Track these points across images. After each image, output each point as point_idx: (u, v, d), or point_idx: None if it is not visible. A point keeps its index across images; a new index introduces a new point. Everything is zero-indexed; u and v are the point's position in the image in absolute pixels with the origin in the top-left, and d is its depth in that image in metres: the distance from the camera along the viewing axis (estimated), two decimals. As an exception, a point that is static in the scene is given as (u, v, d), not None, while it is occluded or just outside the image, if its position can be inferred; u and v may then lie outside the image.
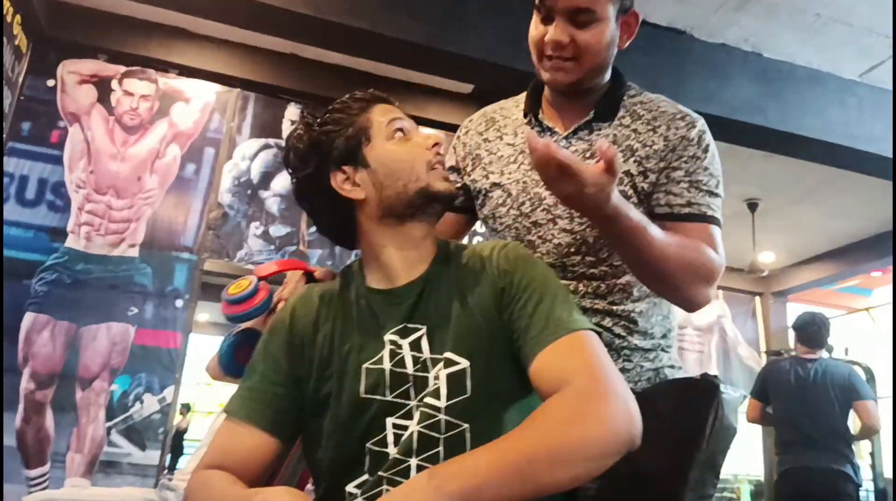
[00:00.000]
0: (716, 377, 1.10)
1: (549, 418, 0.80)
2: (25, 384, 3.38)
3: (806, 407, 3.35)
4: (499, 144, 1.36)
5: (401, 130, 1.05)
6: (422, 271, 1.02)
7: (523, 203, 1.27)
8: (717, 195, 1.23)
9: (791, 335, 4.09)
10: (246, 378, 1.03)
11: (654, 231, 1.09)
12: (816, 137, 3.96)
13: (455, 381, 0.92)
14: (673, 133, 1.23)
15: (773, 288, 7.23)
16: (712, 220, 1.21)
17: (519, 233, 1.28)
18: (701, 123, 1.26)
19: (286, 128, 4.16)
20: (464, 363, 0.93)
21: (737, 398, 1.10)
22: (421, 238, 1.04)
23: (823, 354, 3.63)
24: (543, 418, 0.80)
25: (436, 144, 1.05)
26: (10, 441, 3.29)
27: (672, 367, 1.27)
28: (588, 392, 0.82)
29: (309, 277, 1.21)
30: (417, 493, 0.70)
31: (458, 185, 1.36)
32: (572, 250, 1.23)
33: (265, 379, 1.01)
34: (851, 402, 3.39)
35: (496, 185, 1.32)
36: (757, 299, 7.32)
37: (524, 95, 1.38)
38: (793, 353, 3.76)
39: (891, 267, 5.91)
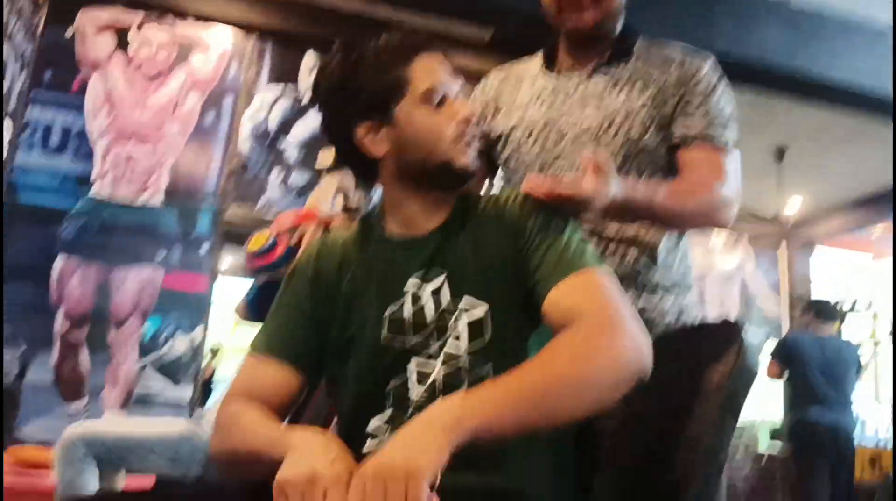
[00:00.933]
0: (738, 320, 1.11)
1: (560, 351, 0.82)
2: (59, 324, 3.48)
3: (823, 375, 4.07)
4: (517, 92, 1.42)
5: (437, 95, 0.99)
6: (441, 219, 1.02)
7: (546, 138, 1.35)
8: (729, 126, 1.31)
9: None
10: (271, 316, 1.05)
11: (661, 199, 1.18)
12: (846, 85, 3.86)
13: (475, 326, 0.93)
14: (685, 70, 1.33)
15: (798, 237, 7.15)
16: (724, 148, 1.29)
17: (543, 168, 1.33)
18: (711, 61, 1.34)
19: (304, 76, 4.13)
20: (483, 306, 0.94)
21: (759, 342, 1.11)
22: (439, 199, 1.04)
23: (834, 329, 4.44)
24: (553, 352, 0.82)
25: (467, 119, 1.01)
26: (47, 377, 3.42)
27: (693, 308, 1.31)
28: (597, 326, 0.84)
29: (326, 227, 1.22)
30: (434, 426, 0.72)
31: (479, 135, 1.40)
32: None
33: (289, 318, 1.03)
34: (857, 372, 4.31)
35: (519, 125, 1.38)
36: (781, 248, 7.25)
37: (540, 53, 1.45)
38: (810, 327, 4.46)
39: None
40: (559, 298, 0.90)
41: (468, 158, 1.01)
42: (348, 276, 1.03)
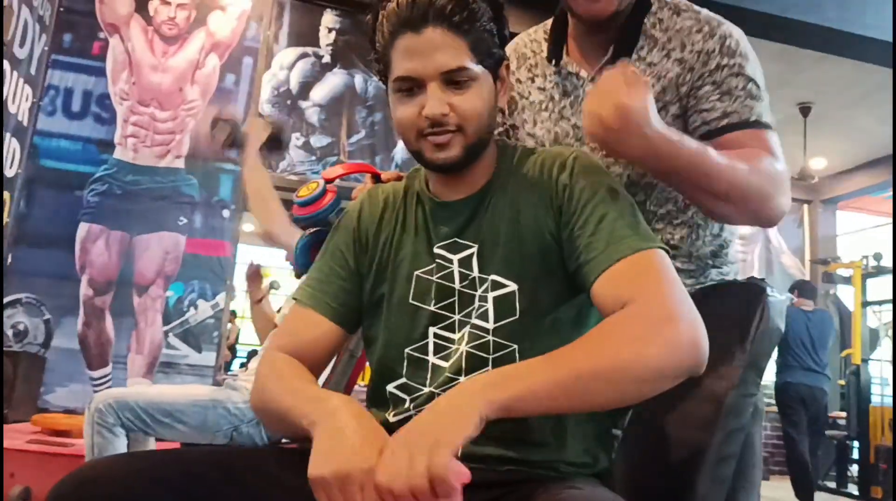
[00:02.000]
0: (762, 280, 1.10)
1: (606, 336, 0.78)
2: (84, 290, 3.54)
3: (804, 345, 4.87)
4: (530, 87, 1.30)
5: (405, 87, 0.91)
6: (481, 184, 0.98)
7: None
8: (757, 98, 1.12)
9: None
10: (315, 267, 1.06)
11: (714, 155, 0.99)
12: (876, 36, 3.75)
13: (503, 303, 0.92)
14: (688, 52, 1.14)
15: (823, 196, 7.05)
16: (757, 124, 1.11)
17: None
18: (723, 30, 1.15)
19: (323, 36, 4.09)
20: (512, 285, 0.92)
21: (782, 301, 1.11)
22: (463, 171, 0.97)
23: (812, 305, 5.15)
24: (600, 336, 0.79)
25: (431, 119, 0.90)
26: (72, 343, 3.49)
27: (721, 278, 1.22)
28: (651, 313, 0.79)
29: (376, 179, 1.22)
30: (466, 399, 0.72)
31: (503, 127, 1.33)
32: (623, 179, 1.18)
33: (332, 272, 1.03)
34: (834, 341, 5.30)
35: (530, 135, 1.29)
36: (805, 207, 7.16)
37: (547, 30, 1.29)
38: (794, 300, 5.07)
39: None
40: (610, 282, 0.84)
41: (438, 153, 0.92)
42: (386, 232, 1.02)
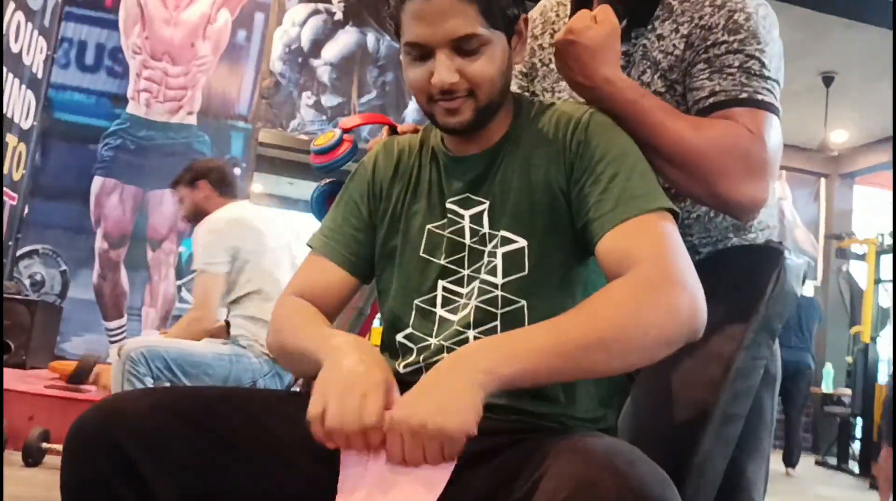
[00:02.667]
0: (780, 243, 1.09)
1: (609, 304, 0.78)
2: (99, 243, 3.58)
3: (793, 325, 5.22)
4: (550, 52, 1.24)
5: (415, 51, 0.89)
6: (496, 139, 0.97)
7: None
8: (757, 76, 1.03)
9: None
10: (329, 216, 1.07)
11: (670, 114, 0.96)
12: (906, 3, 3.66)
13: (512, 259, 0.91)
14: (694, 27, 1.07)
15: (841, 169, 6.96)
16: (749, 102, 1.01)
17: None
18: (734, 3, 1.05)
19: (337, -8, 4.04)
20: (521, 242, 0.92)
21: (800, 265, 1.09)
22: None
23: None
24: (603, 303, 0.78)
25: (439, 87, 0.88)
26: (88, 295, 3.54)
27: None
28: (653, 279, 0.78)
29: (393, 131, 1.21)
30: (470, 379, 0.72)
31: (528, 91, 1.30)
32: None
33: (346, 222, 1.04)
34: (817, 322, 5.56)
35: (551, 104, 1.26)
36: (822, 180, 7.07)
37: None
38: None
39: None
40: (614, 242, 0.83)
41: (449, 118, 0.91)
42: (400, 185, 1.02)
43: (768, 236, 1.22)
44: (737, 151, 0.97)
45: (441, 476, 0.73)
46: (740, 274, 1.09)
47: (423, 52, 0.88)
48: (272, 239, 2.41)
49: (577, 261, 0.92)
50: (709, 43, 1.04)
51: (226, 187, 2.50)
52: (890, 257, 6.24)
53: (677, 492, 0.66)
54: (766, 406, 1.20)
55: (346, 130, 1.23)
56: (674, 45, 1.08)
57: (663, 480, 0.65)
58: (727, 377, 1.03)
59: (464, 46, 0.87)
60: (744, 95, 1.01)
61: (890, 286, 6.54)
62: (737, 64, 1.03)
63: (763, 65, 1.03)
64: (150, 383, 2.03)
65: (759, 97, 1.01)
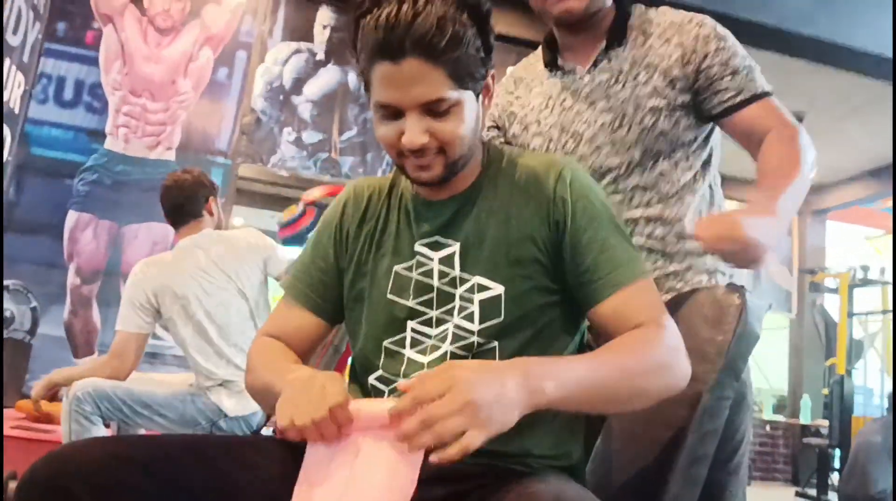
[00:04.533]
0: (742, 286, 1.11)
1: (647, 357, 0.87)
2: (71, 279, 3.53)
3: None
4: (529, 96, 1.42)
5: (384, 110, 0.90)
6: (466, 184, 0.99)
7: (566, 143, 1.34)
8: (754, 69, 1.29)
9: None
10: (299, 260, 1.09)
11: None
12: (868, 49, 3.79)
13: (489, 306, 0.93)
14: (686, 38, 1.29)
15: (812, 206, 7.09)
16: (766, 94, 1.28)
17: None
18: (706, 20, 1.31)
19: (318, 32, 4.09)
20: (498, 288, 0.93)
21: (761, 306, 1.11)
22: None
23: None
24: (642, 354, 0.87)
25: (410, 149, 0.90)
26: (59, 331, 3.49)
27: (723, 274, 1.33)
28: (673, 345, 0.89)
29: None
30: (526, 390, 0.75)
31: (501, 140, 1.44)
32: (622, 170, 1.31)
33: (313, 264, 1.05)
34: None
35: (537, 134, 1.37)
36: (794, 216, 7.19)
37: (541, 49, 1.43)
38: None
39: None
40: (622, 304, 0.92)
41: (420, 173, 0.93)
42: (368, 227, 1.03)
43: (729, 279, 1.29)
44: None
45: (408, 473, 0.73)
46: (703, 315, 1.11)
47: (393, 113, 0.90)
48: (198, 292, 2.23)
49: (548, 306, 0.95)
50: (712, 48, 1.28)
51: (180, 217, 2.32)
52: (862, 290, 6.35)
53: None
54: (744, 429, 1.27)
55: (308, 203, 1.26)
56: (669, 53, 1.29)
57: None
58: (693, 418, 1.04)
59: (433, 109, 0.88)
60: (760, 91, 1.27)
61: (864, 319, 6.64)
62: (742, 64, 1.28)
63: (748, 58, 1.30)
64: (98, 421, 1.99)
65: (766, 86, 1.29)
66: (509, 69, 1.48)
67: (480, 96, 0.95)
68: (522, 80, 1.45)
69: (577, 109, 1.34)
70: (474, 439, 0.70)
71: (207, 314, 2.20)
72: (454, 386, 0.72)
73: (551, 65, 1.39)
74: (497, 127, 1.48)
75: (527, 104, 1.41)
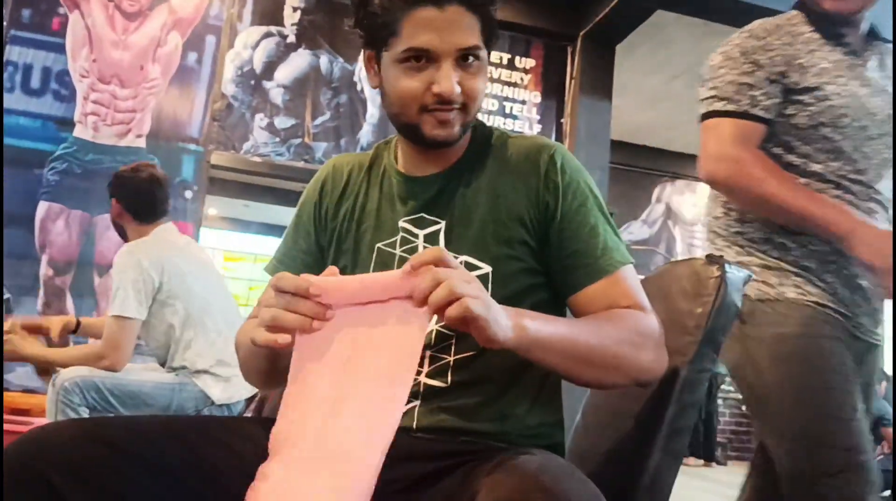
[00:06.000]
0: (721, 257, 1.11)
1: (627, 331, 0.87)
2: (44, 270, 3.47)
3: None
4: (814, 55, 1.39)
5: (417, 58, 0.88)
6: (452, 161, 0.98)
7: (860, 120, 1.36)
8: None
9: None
10: (282, 242, 1.07)
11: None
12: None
13: None
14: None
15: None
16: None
17: (855, 145, 1.36)
18: None
19: (288, 15, 4.03)
20: (485, 268, 0.93)
21: (741, 278, 1.12)
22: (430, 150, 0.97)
23: None
24: (623, 326, 0.87)
25: (442, 96, 0.89)
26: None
27: None
28: (653, 332, 0.91)
29: None
30: (513, 323, 0.75)
31: (768, 100, 1.36)
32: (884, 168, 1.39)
33: (295, 245, 1.04)
34: None
35: (836, 94, 1.36)
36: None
37: (797, 17, 1.43)
38: None
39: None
40: (607, 289, 0.93)
41: (440, 130, 0.91)
42: (347, 204, 1.02)
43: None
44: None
45: (418, 332, 0.72)
46: (682, 287, 1.11)
47: (424, 59, 0.88)
48: (196, 273, 2.25)
49: (534, 287, 0.96)
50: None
51: (144, 214, 2.25)
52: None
53: None
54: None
55: None
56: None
57: (593, 495, 0.66)
58: (673, 390, 1.05)
59: (467, 58, 0.89)
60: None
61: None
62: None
63: None
64: (85, 413, 1.96)
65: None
66: (757, 22, 1.42)
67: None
68: (796, 37, 1.40)
69: (864, 92, 1.37)
70: (476, 306, 0.70)
71: (201, 297, 2.20)
72: (462, 269, 0.74)
73: (827, 33, 1.40)
74: (777, 79, 1.37)
75: (818, 59, 1.39)
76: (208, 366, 2.15)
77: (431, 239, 0.95)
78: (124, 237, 2.32)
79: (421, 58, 0.88)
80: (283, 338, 0.73)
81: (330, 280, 0.75)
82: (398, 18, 0.88)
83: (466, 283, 0.70)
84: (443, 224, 0.96)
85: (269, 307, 0.74)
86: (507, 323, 0.74)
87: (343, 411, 0.71)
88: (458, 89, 0.88)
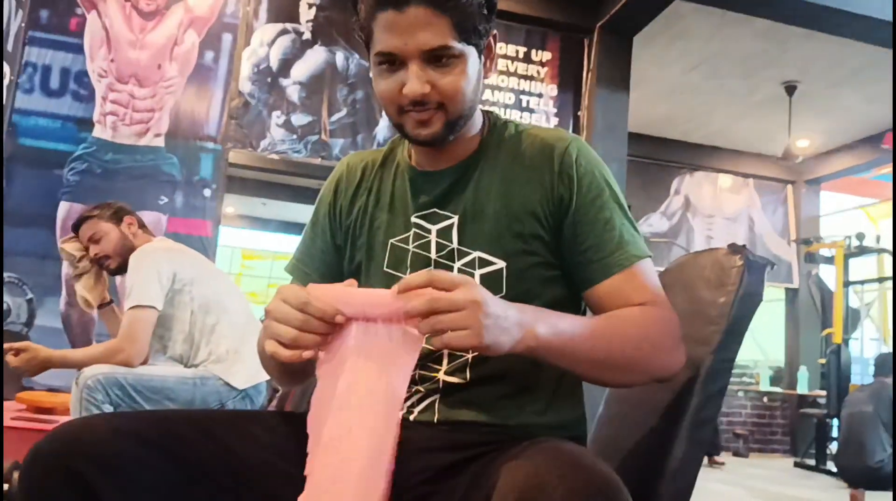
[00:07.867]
0: (744, 246, 1.10)
1: (645, 331, 0.86)
2: (66, 269, 3.50)
3: None
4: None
5: (388, 61, 0.88)
6: (465, 155, 0.97)
7: None
8: None
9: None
10: (301, 240, 1.08)
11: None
12: (864, 13, 3.74)
13: (490, 281, 0.92)
14: None
15: (806, 176, 7.08)
16: None
17: None
18: None
19: (304, 11, 4.04)
20: (500, 263, 0.92)
21: (763, 266, 1.10)
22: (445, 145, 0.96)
23: None
24: (642, 327, 0.86)
25: (410, 98, 0.88)
26: (56, 323, 3.47)
27: None
28: (673, 328, 0.89)
29: None
30: (521, 330, 0.75)
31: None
32: None
33: (313, 243, 1.05)
34: None
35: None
36: (788, 187, 7.19)
37: None
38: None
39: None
40: (620, 286, 0.91)
41: (420, 130, 0.90)
42: (361, 201, 1.02)
43: None
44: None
45: (410, 353, 0.75)
46: (706, 277, 1.10)
47: (394, 63, 0.88)
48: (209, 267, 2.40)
49: (550, 281, 0.95)
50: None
51: (145, 228, 2.48)
52: (858, 259, 6.36)
53: (627, 493, 0.65)
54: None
55: None
56: None
57: (611, 481, 0.65)
58: (698, 380, 1.03)
59: (436, 59, 0.87)
60: None
61: (860, 288, 6.67)
62: None
63: None
64: (109, 410, 1.97)
65: None
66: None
67: (483, 56, 0.94)
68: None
69: None
70: (467, 339, 0.70)
71: (216, 282, 2.30)
72: (466, 284, 0.72)
73: None
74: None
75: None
76: (235, 348, 2.19)
77: (444, 234, 0.95)
78: (120, 272, 2.35)
79: (392, 61, 0.88)
80: (306, 354, 0.76)
81: (329, 293, 0.77)
82: (370, 23, 0.89)
83: (462, 307, 0.70)
84: (455, 219, 0.95)
85: (279, 323, 0.76)
86: (513, 334, 0.73)
87: (345, 442, 0.74)
88: (425, 89, 0.87)
